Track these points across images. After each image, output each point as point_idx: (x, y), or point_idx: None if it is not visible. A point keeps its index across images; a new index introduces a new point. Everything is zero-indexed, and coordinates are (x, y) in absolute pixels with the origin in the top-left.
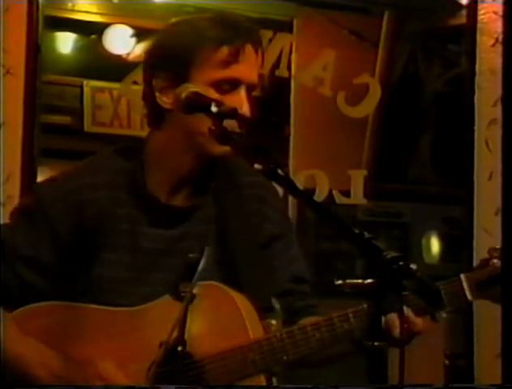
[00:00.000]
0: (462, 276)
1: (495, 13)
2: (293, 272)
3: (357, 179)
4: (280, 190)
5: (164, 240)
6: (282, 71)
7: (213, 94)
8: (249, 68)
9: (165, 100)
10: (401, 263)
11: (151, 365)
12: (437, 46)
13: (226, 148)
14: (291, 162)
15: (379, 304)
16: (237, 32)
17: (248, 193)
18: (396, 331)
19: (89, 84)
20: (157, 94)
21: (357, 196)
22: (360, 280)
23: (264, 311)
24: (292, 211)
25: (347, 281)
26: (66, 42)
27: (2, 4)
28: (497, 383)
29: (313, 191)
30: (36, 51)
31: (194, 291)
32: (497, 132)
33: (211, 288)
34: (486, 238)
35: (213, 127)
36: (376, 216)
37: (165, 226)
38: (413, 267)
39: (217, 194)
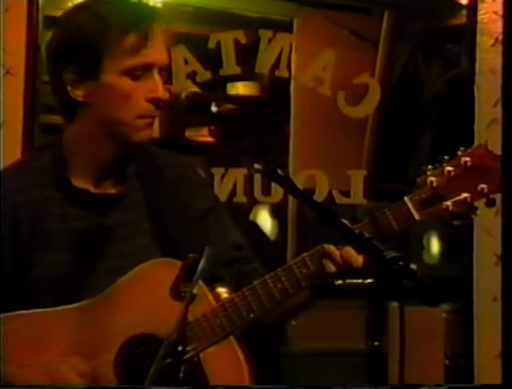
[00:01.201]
0: (406, 198)
1: (495, 13)
2: (231, 241)
3: (357, 179)
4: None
5: (100, 229)
6: (282, 71)
7: (128, 82)
8: (159, 50)
9: (78, 93)
10: (401, 263)
11: (116, 354)
12: (437, 46)
13: (146, 133)
14: (291, 162)
15: (379, 304)
16: (141, 16)
17: (170, 174)
18: (332, 265)
19: None
20: (69, 88)
21: (357, 196)
22: (360, 280)
23: (212, 282)
24: (292, 211)
25: (347, 281)
26: None
27: (2, 4)
28: (497, 383)
29: (313, 191)
30: (36, 51)
31: (194, 291)
32: (497, 132)
33: (162, 264)
34: (486, 238)
35: (213, 127)
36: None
37: (99, 215)
38: (413, 267)
39: (141, 179)
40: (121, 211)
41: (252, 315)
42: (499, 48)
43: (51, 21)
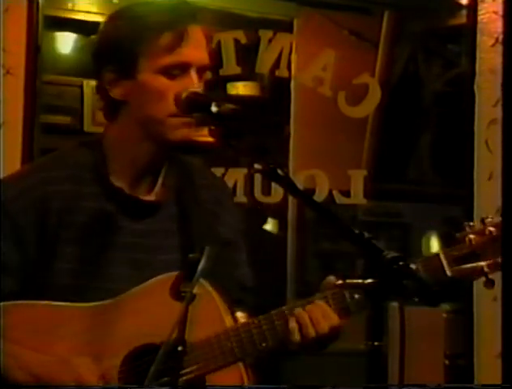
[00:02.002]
0: (441, 252)
1: (495, 13)
2: (239, 279)
3: (357, 179)
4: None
5: (129, 233)
6: (282, 71)
7: (164, 81)
8: (196, 50)
9: (116, 92)
10: (401, 263)
11: (122, 361)
12: (437, 46)
13: (183, 134)
14: (291, 162)
15: (379, 304)
16: (178, 15)
17: (205, 195)
18: (296, 336)
19: (89, 84)
20: (108, 87)
21: (357, 196)
22: (360, 280)
23: (232, 304)
24: (292, 211)
25: (347, 281)
26: (66, 42)
27: (2, 4)
28: (497, 383)
29: (313, 191)
30: (36, 51)
31: (194, 291)
32: (497, 132)
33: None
34: None
35: (213, 127)
36: (376, 216)
37: (131, 218)
38: (413, 266)
39: (178, 194)
40: (154, 220)
41: (264, 344)
42: (499, 48)
43: (51, 21)
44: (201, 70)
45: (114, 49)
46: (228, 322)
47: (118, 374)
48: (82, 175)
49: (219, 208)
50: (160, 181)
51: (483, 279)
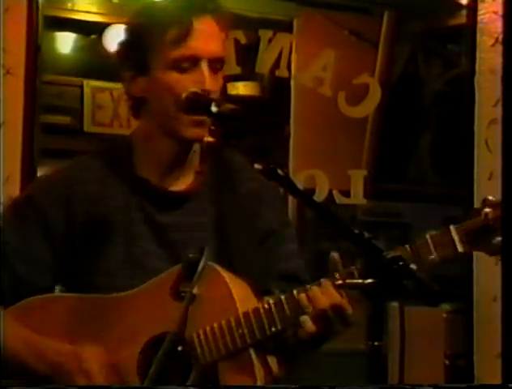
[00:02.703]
0: (452, 227)
1: (495, 13)
2: (281, 270)
3: (357, 179)
4: (280, 190)
5: (153, 225)
6: (282, 71)
7: (175, 76)
8: (205, 42)
9: (135, 89)
10: (401, 263)
11: (141, 350)
12: (437, 46)
13: (198, 132)
14: (291, 162)
15: (379, 304)
16: (184, 8)
17: (243, 189)
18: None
19: (89, 84)
20: (127, 85)
21: (357, 196)
22: (360, 280)
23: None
24: (292, 211)
25: (347, 281)
26: (66, 42)
27: (2, 4)
28: (497, 383)
29: (313, 191)
30: (36, 51)
31: (194, 291)
32: (497, 132)
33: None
34: None
35: (213, 127)
36: (376, 216)
37: (158, 210)
38: (413, 266)
39: (212, 187)
40: (181, 212)
41: (274, 329)
42: (499, 48)
43: (51, 21)
44: (213, 63)
45: (130, 46)
46: (241, 307)
47: (138, 361)
48: (106, 173)
49: (257, 202)
50: (190, 173)
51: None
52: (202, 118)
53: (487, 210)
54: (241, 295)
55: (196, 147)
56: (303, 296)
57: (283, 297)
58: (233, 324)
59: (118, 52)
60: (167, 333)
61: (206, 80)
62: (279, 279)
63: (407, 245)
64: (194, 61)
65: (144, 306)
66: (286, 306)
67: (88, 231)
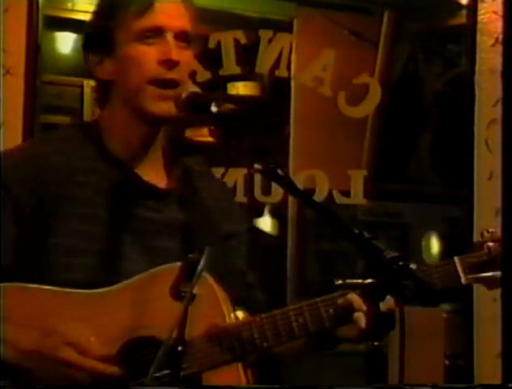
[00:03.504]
0: (456, 259)
1: (495, 13)
2: (242, 269)
3: (357, 179)
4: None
5: (124, 211)
6: (282, 71)
7: (139, 48)
8: (169, 15)
9: (102, 72)
10: (401, 263)
11: (118, 350)
12: (437, 46)
13: (164, 107)
14: (291, 162)
15: (379, 304)
16: None
17: (205, 195)
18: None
19: (89, 84)
20: (93, 69)
21: (357, 196)
22: (360, 280)
23: (233, 301)
24: (292, 211)
25: (347, 281)
26: (66, 42)
27: (2, 4)
28: (497, 383)
29: (313, 191)
30: (36, 51)
31: (194, 291)
32: (497, 132)
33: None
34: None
35: (212, 127)
36: (376, 216)
37: (134, 197)
38: (413, 267)
39: (179, 187)
40: (157, 204)
41: (265, 344)
42: (499, 48)
43: (51, 21)
44: (180, 37)
45: (93, 31)
46: (230, 319)
47: (114, 363)
48: (79, 150)
49: (219, 206)
50: (158, 166)
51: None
52: (169, 93)
53: (490, 244)
54: (223, 297)
55: (162, 144)
56: (354, 296)
57: (278, 313)
58: (223, 337)
59: (84, 42)
60: (145, 337)
61: (171, 50)
62: (241, 276)
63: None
64: (158, 32)
65: (120, 307)
66: (279, 323)
67: (56, 205)
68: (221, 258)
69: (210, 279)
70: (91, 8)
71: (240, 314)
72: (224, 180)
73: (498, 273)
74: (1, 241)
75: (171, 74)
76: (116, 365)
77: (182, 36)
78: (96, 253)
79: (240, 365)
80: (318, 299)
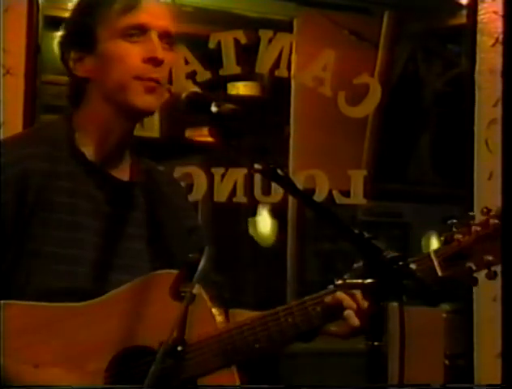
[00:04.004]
0: (432, 252)
1: (495, 13)
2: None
3: (357, 179)
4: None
5: (102, 217)
6: (282, 71)
7: (123, 44)
8: (153, 15)
9: (81, 69)
10: (401, 263)
11: (108, 365)
12: (437, 46)
13: (149, 100)
14: (291, 162)
15: (379, 304)
16: None
17: (166, 189)
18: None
19: None
20: (72, 66)
21: (357, 196)
22: (360, 280)
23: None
24: (292, 211)
25: (347, 281)
26: None
27: (2, 4)
28: (497, 383)
29: (313, 191)
30: (36, 51)
31: (194, 291)
32: (497, 132)
33: (169, 276)
34: None
35: (212, 127)
36: (376, 216)
37: (105, 198)
38: (413, 267)
39: (143, 184)
40: (127, 205)
41: (257, 346)
42: (499, 48)
43: (51, 21)
44: (163, 36)
45: (74, 26)
46: (220, 323)
47: (104, 378)
48: (57, 153)
49: (180, 200)
50: (126, 163)
51: (485, 271)
52: (154, 85)
53: (458, 236)
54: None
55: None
56: (342, 295)
57: (267, 314)
58: (213, 341)
59: (63, 39)
60: (142, 347)
61: (156, 49)
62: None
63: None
64: (142, 30)
65: (111, 316)
66: (270, 324)
67: (38, 211)
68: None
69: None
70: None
71: (215, 311)
72: (224, 180)
73: (469, 264)
74: None
75: (155, 73)
76: (109, 376)
77: (166, 36)
78: (76, 259)
79: (234, 369)
80: (307, 297)
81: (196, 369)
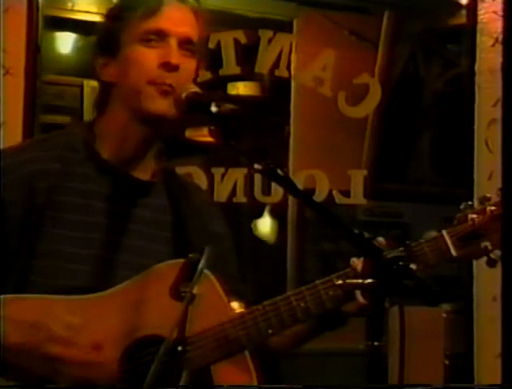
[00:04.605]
0: (445, 232)
1: (495, 13)
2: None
3: (357, 179)
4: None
5: (122, 214)
6: (282, 71)
7: (141, 49)
8: (174, 21)
9: (106, 74)
10: (401, 263)
11: (122, 353)
12: (437, 46)
13: (162, 103)
14: (291, 162)
15: (379, 304)
16: None
17: (194, 200)
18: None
19: (89, 84)
20: (99, 71)
21: (357, 196)
22: (360, 280)
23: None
24: (292, 211)
25: (347, 281)
26: (66, 42)
27: (2, 4)
28: (497, 383)
29: (313, 191)
30: (36, 51)
31: (194, 291)
32: (497, 132)
33: (177, 265)
34: None
35: (212, 127)
36: (376, 216)
37: (123, 199)
38: (413, 266)
39: (169, 190)
40: (148, 208)
41: (270, 331)
42: (499, 48)
43: (51, 21)
44: (183, 44)
45: (100, 34)
46: (232, 310)
47: (118, 367)
48: (71, 155)
49: (208, 212)
50: (151, 167)
51: (484, 259)
52: (168, 89)
53: (473, 216)
54: (223, 292)
55: (156, 144)
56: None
57: (278, 299)
58: (228, 327)
59: (97, 41)
60: (150, 336)
61: (172, 54)
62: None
63: (401, 248)
64: (161, 35)
65: (123, 308)
66: (282, 309)
67: (48, 212)
68: (220, 256)
69: (211, 276)
70: (91, 8)
71: (235, 304)
72: (224, 180)
73: (484, 243)
74: None
75: (169, 78)
76: (123, 366)
77: (186, 43)
78: (89, 259)
79: (248, 355)
80: (318, 282)
81: (209, 356)
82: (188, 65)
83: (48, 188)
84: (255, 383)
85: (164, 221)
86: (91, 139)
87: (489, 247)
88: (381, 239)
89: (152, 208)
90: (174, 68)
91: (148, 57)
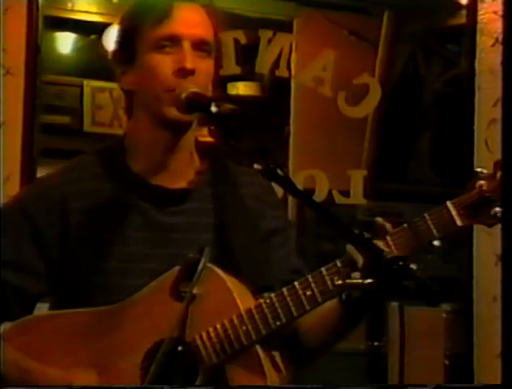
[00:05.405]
0: (449, 203)
1: (495, 13)
2: (293, 264)
3: (357, 179)
4: (279, 189)
5: (155, 225)
6: (282, 71)
7: (156, 57)
8: (187, 24)
9: (125, 82)
10: (401, 263)
11: (143, 358)
12: (437, 46)
13: (176, 113)
14: (291, 162)
15: (379, 304)
16: None
17: (245, 191)
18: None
19: (89, 84)
20: (119, 80)
21: (357, 196)
22: (360, 280)
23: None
24: (292, 211)
25: (347, 281)
26: (66, 42)
27: (2, 4)
28: (497, 383)
29: (312, 191)
30: (36, 51)
31: (194, 291)
32: (497, 132)
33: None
34: (486, 238)
35: (212, 127)
36: (376, 216)
37: (157, 208)
38: (413, 267)
39: (215, 189)
40: (181, 212)
41: (279, 323)
42: (499, 48)
43: (51, 21)
44: (198, 46)
45: (119, 42)
46: (242, 306)
47: (140, 370)
48: (100, 173)
49: (260, 203)
50: (189, 171)
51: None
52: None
53: (481, 182)
54: (239, 292)
55: (191, 145)
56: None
57: (284, 290)
58: (236, 322)
59: (113, 50)
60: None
61: (186, 58)
62: (285, 275)
63: (405, 225)
64: (174, 40)
65: (143, 313)
66: (288, 299)
67: (83, 230)
68: (261, 257)
69: (220, 273)
70: (91, 8)
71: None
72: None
73: (495, 209)
74: (29, 270)
75: (186, 83)
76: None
77: (201, 44)
78: (130, 272)
79: (259, 349)
80: (322, 268)
81: (222, 353)
82: (204, 66)
83: (81, 208)
84: (268, 373)
85: (204, 224)
86: (122, 151)
87: (499, 214)
88: (380, 219)
89: (189, 213)
90: (190, 72)
91: (163, 65)
